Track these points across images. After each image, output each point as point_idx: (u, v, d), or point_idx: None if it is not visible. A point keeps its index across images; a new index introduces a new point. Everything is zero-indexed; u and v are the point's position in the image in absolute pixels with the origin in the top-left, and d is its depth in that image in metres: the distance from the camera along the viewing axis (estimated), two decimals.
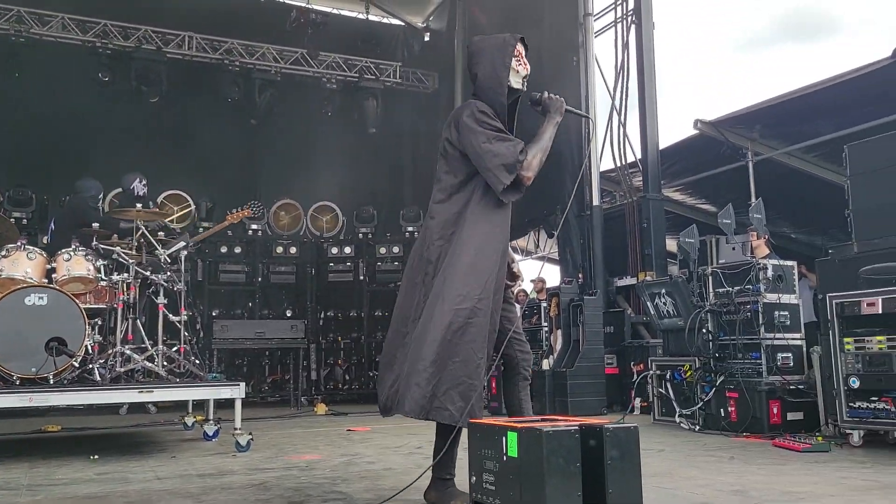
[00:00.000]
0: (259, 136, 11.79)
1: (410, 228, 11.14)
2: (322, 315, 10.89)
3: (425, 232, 3.16)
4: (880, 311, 4.77)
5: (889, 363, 4.70)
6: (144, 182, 7.32)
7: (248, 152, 11.97)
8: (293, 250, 10.82)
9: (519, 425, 2.44)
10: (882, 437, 4.99)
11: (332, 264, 10.89)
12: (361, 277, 10.85)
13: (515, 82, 3.19)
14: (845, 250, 5.51)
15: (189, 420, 6.77)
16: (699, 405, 6.22)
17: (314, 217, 11.36)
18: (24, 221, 9.61)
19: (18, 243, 5.61)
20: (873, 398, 4.79)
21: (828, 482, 3.72)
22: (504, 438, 2.46)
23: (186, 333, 6.19)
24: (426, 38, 13.80)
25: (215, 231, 8.19)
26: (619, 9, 10.17)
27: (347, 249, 10.92)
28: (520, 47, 3.21)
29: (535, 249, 15.99)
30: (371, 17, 13.16)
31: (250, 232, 10.66)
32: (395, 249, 10.90)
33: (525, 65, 3.21)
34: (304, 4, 11.98)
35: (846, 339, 4.98)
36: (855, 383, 4.89)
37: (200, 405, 6.95)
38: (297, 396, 9.40)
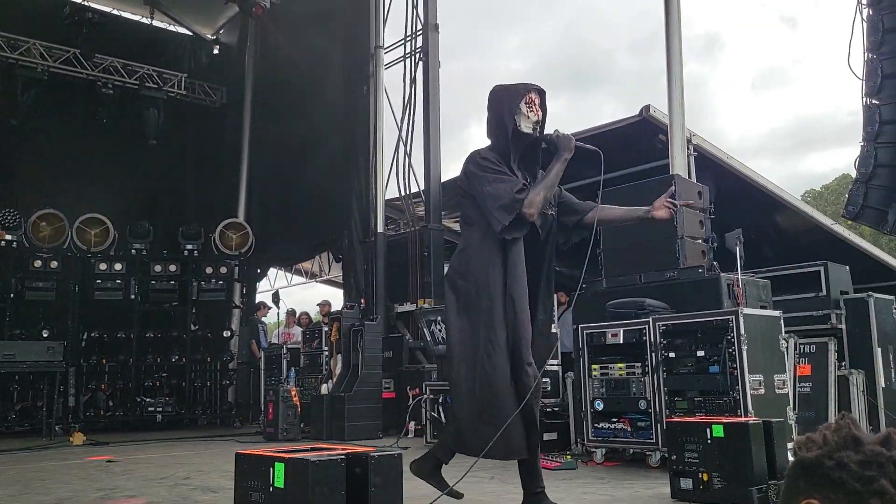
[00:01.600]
0: (19, 138, 10.74)
1: (189, 246, 10.66)
2: (85, 336, 10.07)
3: None
4: (621, 342, 5.39)
5: (627, 388, 5.31)
6: None
7: (5, 155, 10.86)
8: (54, 264, 9.90)
9: (287, 455, 2.49)
10: (621, 453, 5.61)
11: (99, 281, 10.11)
12: (133, 296, 10.21)
13: (525, 127, 3.35)
14: (596, 285, 6.16)
15: None
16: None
17: (81, 230, 10.49)
18: None
19: None
20: (614, 419, 5.38)
21: (572, 497, 4.13)
22: (272, 469, 2.49)
23: None
24: (215, 51, 13.43)
25: None
26: (408, 45, 10.61)
27: (118, 266, 10.21)
28: (533, 95, 3.37)
29: (321, 273, 16.01)
30: (156, 23, 12.54)
31: (3, 243, 9.63)
32: (172, 268, 10.40)
33: (537, 111, 3.37)
34: (79, 1, 11.17)
35: (593, 366, 5.55)
36: (599, 406, 5.46)
37: None
38: (50, 425, 8.58)
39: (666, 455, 4.51)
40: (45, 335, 9.47)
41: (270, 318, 11.34)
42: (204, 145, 12.65)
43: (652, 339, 5.15)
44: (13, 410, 9.42)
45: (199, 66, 12.84)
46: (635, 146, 8.43)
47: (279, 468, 2.46)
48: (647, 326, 5.21)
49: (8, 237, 9.61)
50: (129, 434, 9.06)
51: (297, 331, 10.85)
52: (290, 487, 2.42)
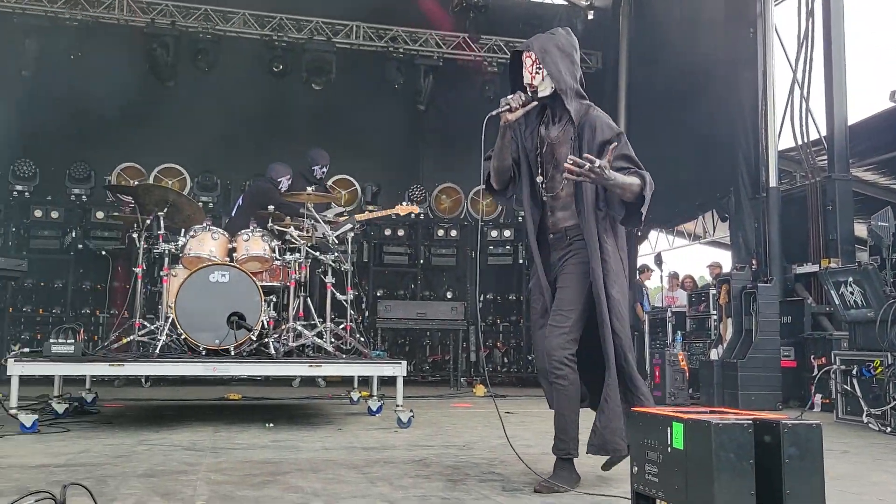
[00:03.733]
0: (422, 121, 12.04)
1: None
2: (481, 297, 11.00)
3: None
4: None
5: None
6: (325, 168, 7.68)
7: (412, 137, 12.29)
8: (454, 233, 11.01)
9: (685, 416, 2.30)
10: None
11: (491, 247, 10.98)
12: (520, 261, 10.85)
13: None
14: None
15: (355, 395, 7.07)
16: (892, 405, 5.65)
17: (474, 200, 11.44)
18: (211, 205, 10.45)
19: (204, 224, 6.06)
20: None
21: None
22: (668, 429, 2.32)
23: (352, 312, 6.43)
24: (590, 17, 13.45)
25: (379, 216, 8.46)
26: None
27: (507, 233, 10.96)
28: (525, 58, 3.41)
29: (704, 234, 15.24)
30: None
31: (412, 216, 10.93)
32: None
33: (531, 74, 3.39)
34: None
35: None
36: None
37: (366, 381, 7.23)
38: (456, 377, 9.56)
39: None
40: (448, 296, 10.59)
41: (653, 281, 11.11)
42: None
43: None
44: (426, 362, 10.73)
45: (575, 34, 12.99)
46: None
47: (677, 428, 2.29)
48: None
49: (417, 210, 10.87)
50: (523, 389, 9.66)
51: (681, 294, 10.47)
52: (690, 449, 2.24)
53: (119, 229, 9.94)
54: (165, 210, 5.89)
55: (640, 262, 12.17)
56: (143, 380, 9.05)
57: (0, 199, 10.17)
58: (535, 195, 3.45)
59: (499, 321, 11.00)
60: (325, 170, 7.68)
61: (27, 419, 4.80)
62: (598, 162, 2.98)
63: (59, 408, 5.59)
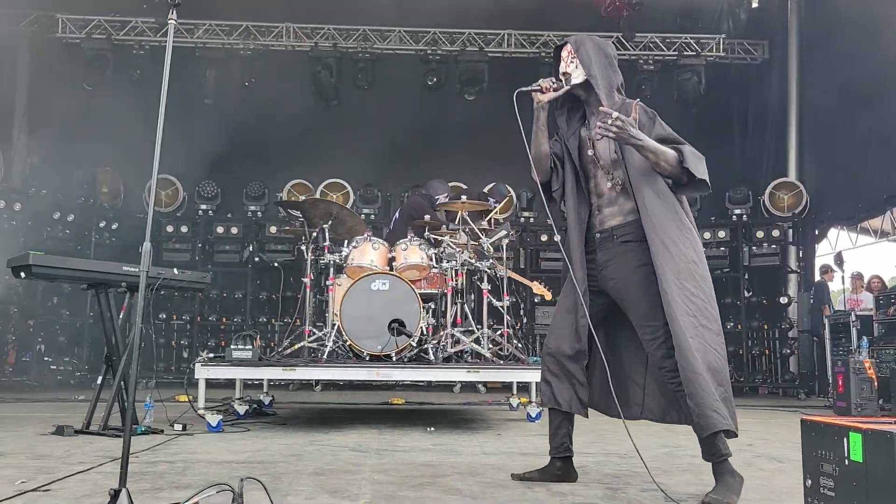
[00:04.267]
0: None
1: (738, 210, 10.44)
2: None
3: None
4: None
5: None
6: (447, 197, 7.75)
7: None
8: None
9: (863, 426, 2.11)
10: None
11: None
12: None
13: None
14: None
15: (514, 401, 7.08)
16: None
17: None
18: (372, 216, 10.91)
19: (365, 235, 6.33)
20: None
21: None
22: (845, 440, 2.14)
23: (510, 318, 6.45)
24: (754, 5, 12.72)
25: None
26: None
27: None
28: (563, 51, 3.48)
29: (893, 230, 13.92)
30: None
31: None
32: (721, 234, 10.31)
33: (566, 63, 3.44)
34: None
35: None
36: None
37: (525, 387, 7.23)
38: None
39: None
40: None
41: (834, 283, 10.29)
42: (745, 104, 12.16)
43: None
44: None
45: (737, 25, 12.35)
46: None
47: (855, 439, 2.10)
48: None
49: None
50: None
51: (867, 296, 9.62)
52: (870, 462, 2.04)
53: (290, 242, 10.61)
54: (330, 223, 6.21)
55: (818, 262, 11.33)
56: (314, 384, 9.58)
57: (188, 217, 11.19)
58: (581, 194, 3.42)
59: None
60: (447, 199, 7.65)
61: (213, 419, 5.21)
62: (615, 114, 3.02)
63: (241, 409, 6.03)
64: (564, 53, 3.46)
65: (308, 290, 6.32)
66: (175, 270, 5.48)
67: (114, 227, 10.89)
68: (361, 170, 11.31)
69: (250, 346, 5.62)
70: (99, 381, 5.28)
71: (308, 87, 11.22)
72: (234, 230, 11.06)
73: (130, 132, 9.71)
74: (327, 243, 6.24)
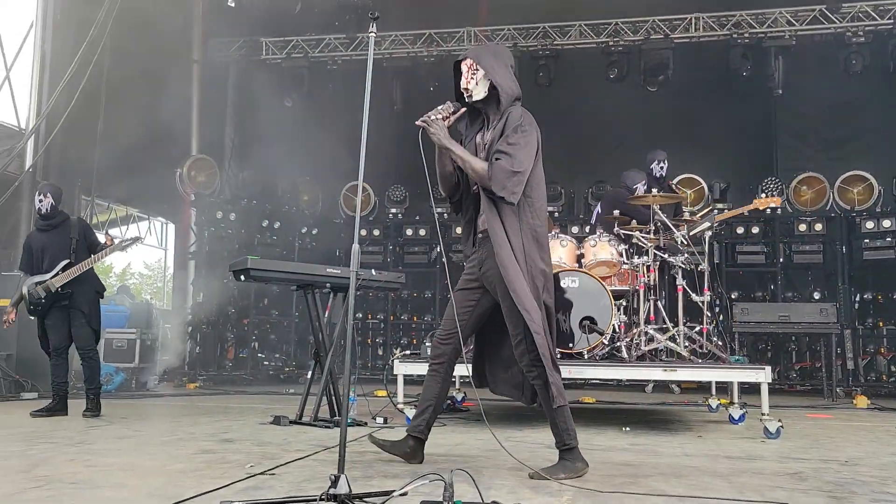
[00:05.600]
0: (776, 107, 11.15)
1: None
2: (857, 298, 9.75)
3: None
4: None
5: None
6: (663, 164, 7.53)
7: (762, 126, 11.44)
8: (818, 227, 9.92)
9: None
10: None
11: (867, 240, 9.64)
12: None
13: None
14: None
15: (713, 402, 6.75)
16: None
17: (842, 189, 10.19)
18: (556, 214, 10.83)
19: (553, 232, 6.30)
20: None
21: None
22: None
23: (708, 315, 6.15)
24: None
25: (735, 213, 7.96)
26: None
27: (887, 223, 9.54)
28: (462, 66, 3.59)
29: None
30: None
31: (768, 211, 10.12)
32: None
33: (466, 78, 3.56)
34: None
35: None
36: None
37: (723, 388, 6.86)
38: (830, 386, 8.59)
39: None
40: (816, 297, 9.58)
41: None
42: None
43: None
44: (793, 369, 9.82)
45: None
46: None
47: None
48: None
49: (778, 202, 10.03)
50: None
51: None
52: None
53: None
54: None
55: None
56: None
57: (379, 221, 11.75)
58: (473, 197, 3.61)
59: (881, 324, 9.62)
60: (661, 165, 7.40)
61: (412, 413, 5.41)
62: (433, 116, 3.41)
63: None
64: (464, 68, 3.56)
65: None
66: (373, 271, 5.77)
67: (314, 231, 11.67)
68: (544, 167, 11.25)
69: None
70: (308, 376, 5.66)
71: None
72: (422, 232, 11.45)
73: (326, 143, 10.39)
74: None
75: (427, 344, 5.83)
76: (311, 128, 10.44)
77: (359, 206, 3.00)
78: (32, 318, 6.14)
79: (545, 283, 3.47)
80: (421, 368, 5.76)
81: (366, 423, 5.36)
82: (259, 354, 10.99)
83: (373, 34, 3.03)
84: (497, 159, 3.36)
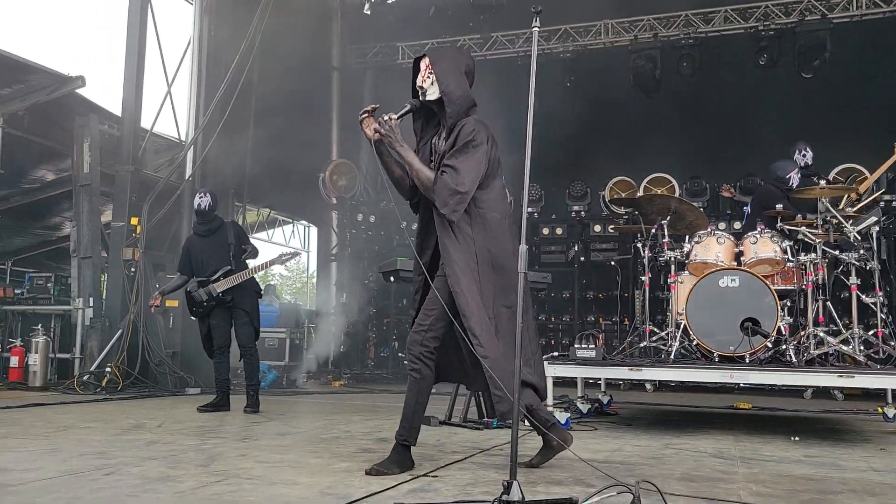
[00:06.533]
0: None
1: None
2: None
3: None
4: None
5: None
6: (805, 153, 7.04)
7: None
8: None
9: None
10: None
11: None
12: None
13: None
14: None
15: (889, 411, 6.19)
16: None
17: None
18: (701, 210, 10.33)
19: (709, 230, 5.99)
20: None
21: None
22: None
23: (883, 316, 5.66)
24: None
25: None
26: None
27: None
28: (421, 63, 3.58)
29: None
30: None
31: None
32: None
33: (422, 77, 3.56)
34: None
35: None
36: None
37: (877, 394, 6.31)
38: None
39: None
40: None
41: None
42: None
43: None
44: None
45: None
46: None
47: None
48: None
49: None
50: None
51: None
52: None
53: (615, 240, 10.53)
54: (668, 218, 5.98)
55: None
56: (646, 385, 9.35)
57: (516, 221, 11.64)
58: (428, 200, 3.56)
59: None
60: (798, 176, 6.87)
61: (562, 416, 5.30)
62: (388, 118, 3.39)
63: (583, 408, 6.07)
64: (423, 66, 3.57)
65: (646, 288, 6.15)
66: None
67: None
68: (686, 162, 10.82)
69: (593, 346, 5.63)
70: None
71: (626, 81, 11.04)
72: (558, 231, 11.28)
73: None
74: (666, 240, 6.02)
75: (576, 346, 5.69)
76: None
77: (524, 204, 2.92)
78: (193, 318, 6.50)
79: (503, 286, 3.45)
80: (570, 370, 5.64)
81: None
82: (399, 354, 11.19)
83: (536, 29, 2.95)
84: (443, 173, 3.39)
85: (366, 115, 3.48)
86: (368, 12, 12.83)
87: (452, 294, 3.39)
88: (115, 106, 9.57)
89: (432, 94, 3.54)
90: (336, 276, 11.57)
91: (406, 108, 3.56)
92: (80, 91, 9.18)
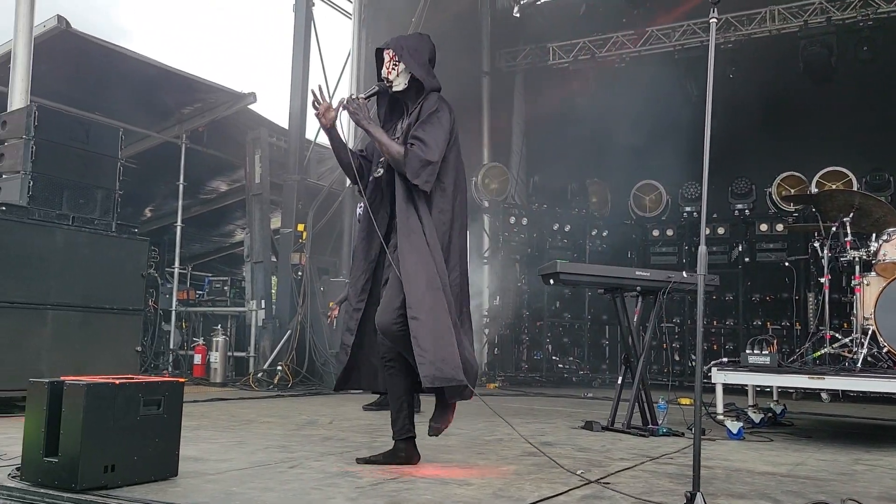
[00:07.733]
0: None
1: None
2: None
3: None
4: None
5: None
6: None
7: None
8: None
9: None
10: None
11: None
12: None
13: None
14: None
15: None
16: None
17: None
18: (889, 205, 9.50)
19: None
20: None
21: None
22: None
23: None
24: None
25: None
26: None
27: None
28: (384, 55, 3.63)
29: None
30: None
31: None
32: None
33: (387, 69, 3.61)
34: None
35: None
36: None
37: None
38: None
39: None
40: None
41: None
42: None
43: None
44: None
45: None
46: None
47: None
48: None
49: None
50: None
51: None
52: None
53: (783, 240, 9.93)
54: (851, 215, 5.54)
55: None
56: (822, 394, 8.70)
57: (672, 220, 11.25)
58: (388, 187, 3.60)
59: None
60: None
61: (733, 426, 5.04)
62: (357, 96, 3.56)
63: (755, 417, 5.73)
64: (386, 58, 3.60)
65: (826, 291, 5.72)
66: (684, 273, 5.47)
67: (604, 234, 11.52)
68: (865, 153, 9.98)
69: (768, 352, 5.31)
70: (619, 382, 5.53)
71: (794, 70, 10.34)
72: (720, 230, 10.74)
73: (613, 143, 10.19)
74: (849, 238, 5.57)
75: (747, 352, 5.39)
76: (595, 128, 10.31)
77: (704, 204, 2.79)
78: None
79: (455, 264, 3.53)
80: (742, 378, 5.36)
81: (682, 434, 5.09)
82: (553, 357, 11.09)
83: (714, 20, 2.82)
84: (412, 145, 3.41)
85: (321, 106, 3.56)
86: (517, 15, 12.82)
87: (401, 269, 3.38)
88: (279, 118, 10.16)
89: (399, 84, 3.61)
90: (488, 280, 11.63)
91: (374, 89, 3.64)
92: (251, 106, 9.83)
